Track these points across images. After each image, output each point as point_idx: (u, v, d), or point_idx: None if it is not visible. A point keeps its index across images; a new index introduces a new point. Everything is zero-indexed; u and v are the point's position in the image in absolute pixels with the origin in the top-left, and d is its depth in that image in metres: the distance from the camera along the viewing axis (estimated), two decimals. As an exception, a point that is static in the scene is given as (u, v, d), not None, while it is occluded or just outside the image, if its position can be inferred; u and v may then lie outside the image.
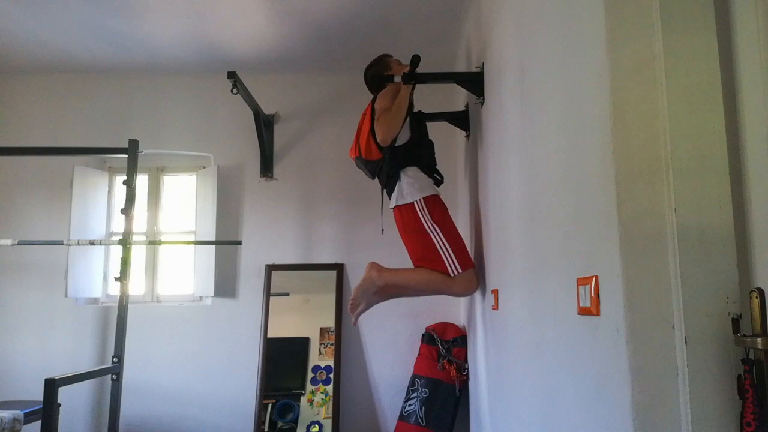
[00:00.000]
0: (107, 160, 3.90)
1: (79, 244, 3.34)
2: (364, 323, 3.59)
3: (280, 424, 3.36)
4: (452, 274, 2.33)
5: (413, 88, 2.48)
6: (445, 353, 3.21)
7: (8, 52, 3.53)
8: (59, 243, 3.30)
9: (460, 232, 2.48)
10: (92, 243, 3.32)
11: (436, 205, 2.41)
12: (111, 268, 3.79)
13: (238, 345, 3.56)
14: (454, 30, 3.26)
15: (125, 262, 3.18)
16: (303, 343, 3.53)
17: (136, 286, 3.69)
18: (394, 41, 3.37)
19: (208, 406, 3.51)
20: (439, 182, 2.52)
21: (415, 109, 2.61)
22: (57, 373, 2.70)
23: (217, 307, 3.64)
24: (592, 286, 1.09)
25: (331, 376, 3.45)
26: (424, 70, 2.53)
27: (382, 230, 2.67)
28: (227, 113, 3.78)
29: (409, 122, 2.48)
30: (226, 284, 3.65)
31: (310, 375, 3.46)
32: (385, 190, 2.58)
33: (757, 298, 0.87)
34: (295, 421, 3.35)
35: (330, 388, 3.42)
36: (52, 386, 2.56)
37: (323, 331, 3.56)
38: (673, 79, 0.97)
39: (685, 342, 0.90)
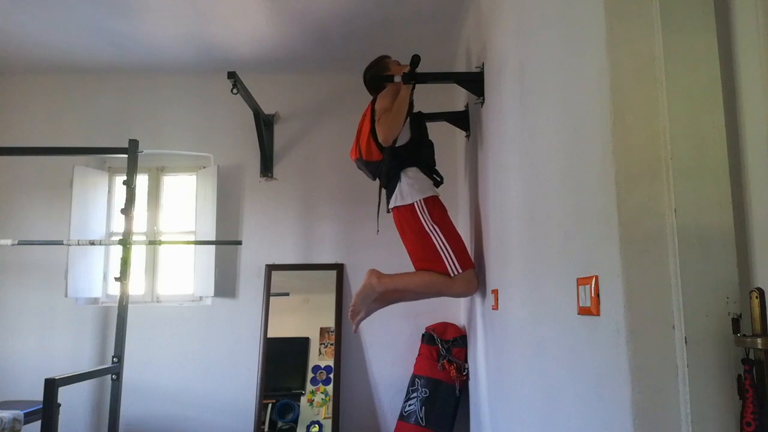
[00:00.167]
0: (107, 160, 3.90)
1: (79, 244, 3.34)
2: (364, 323, 3.57)
3: (280, 424, 3.36)
4: (452, 274, 2.33)
5: (413, 88, 2.48)
6: (445, 353, 3.21)
7: (8, 52, 3.53)
8: (59, 243, 3.30)
9: (460, 233, 2.48)
10: (92, 243, 3.32)
11: (435, 206, 2.41)
12: (111, 268, 3.79)
13: (238, 345, 3.56)
14: (454, 30, 3.26)
15: (125, 262, 3.18)
16: (303, 343, 3.53)
17: (136, 286, 3.69)
18: (394, 41, 3.37)
19: (208, 406, 3.51)
20: (438, 183, 2.52)
21: (415, 110, 2.60)
22: (57, 373, 2.70)
23: (217, 307, 3.64)
24: (592, 286, 1.09)
25: (331, 376, 3.45)
26: (424, 70, 2.53)
27: (378, 230, 2.67)
28: (227, 113, 3.78)
29: (409, 123, 2.48)
30: (226, 284, 3.65)
31: (310, 375, 3.46)
32: (384, 191, 2.57)
33: (757, 298, 0.87)
34: (295, 421, 3.35)
35: (330, 388, 3.42)
36: (52, 386, 2.56)
37: (323, 331, 3.56)
38: (673, 79, 0.97)
39: (685, 342, 0.90)
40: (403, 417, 3.22)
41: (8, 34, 3.30)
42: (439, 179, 2.53)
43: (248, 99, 3.32)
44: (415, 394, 3.22)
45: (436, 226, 2.36)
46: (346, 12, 3.06)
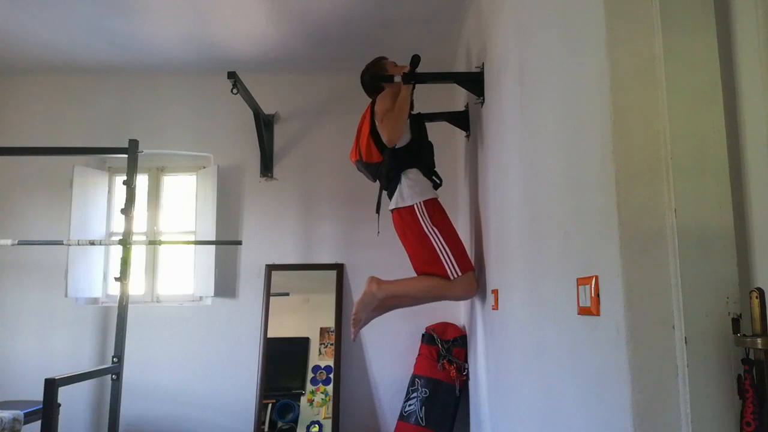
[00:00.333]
0: (107, 160, 3.90)
1: (79, 244, 3.34)
2: (364, 323, 3.59)
3: (280, 424, 3.36)
4: (452, 277, 2.33)
5: (413, 88, 2.48)
6: (445, 353, 3.21)
7: (8, 52, 3.53)
8: (59, 243, 3.30)
9: (460, 233, 2.48)
10: (92, 243, 3.32)
11: (435, 209, 2.41)
12: (111, 268, 3.79)
13: (238, 345, 3.56)
14: (454, 30, 3.26)
15: (125, 262, 3.18)
16: (303, 343, 3.53)
17: (136, 286, 3.69)
18: (394, 41, 3.37)
19: (208, 406, 3.51)
20: (437, 185, 2.52)
21: (416, 110, 2.61)
22: (57, 373, 2.70)
23: (217, 307, 3.64)
24: (592, 286, 1.09)
25: (331, 376, 3.45)
26: (424, 70, 2.53)
27: (378, 232, 2.67)
28: (227, 113, 3.78)
29: (409, 124, 2.48)
30: (226, 284, 3.65)
31: (310, 375, 3.46)
32: (385, 192, 2.57)
33: (757, 298, 0.86)
34: (295, 421, 3.35)
35: (330, 388, 3.42)
36: (52, 386, 2.56)
37: (323, 331, 3.56)
38: (673, 79, 0.97)
39: (685, 342, 0.90)
40: (403, 417, 3.22)
41: (8, 34, 3.30)
42: (438, 181, 2.53)
43: (248, 99, 3.32)
44: (415, 394, 3.22)
45: (435, 229, 2.36)
46: (346, 12, 3.06)
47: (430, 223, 2.37)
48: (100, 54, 3.55)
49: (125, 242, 3.19)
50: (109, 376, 3.10)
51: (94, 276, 3.69)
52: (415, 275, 2.48)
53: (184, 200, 3.90)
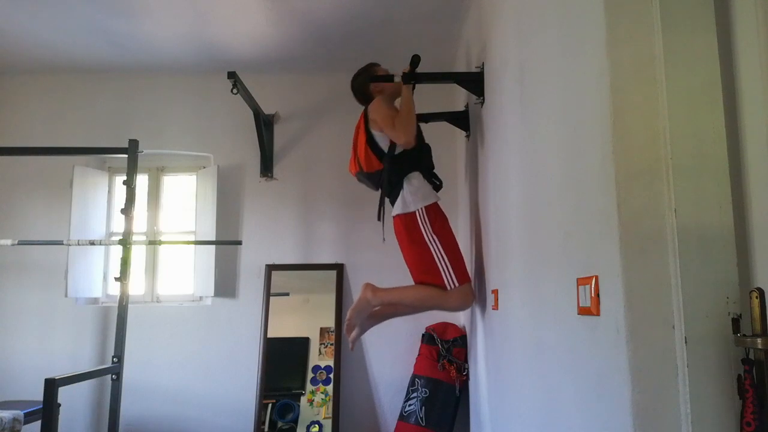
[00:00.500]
0: (107, 160, 3.90)
1: (79, 244, 3.34)
2: (364, 323, 3.59)
3: (280, 424, 3.36)
4: (449, 288, 2.31)
5: (413, 88, 2.48)
6: (445, 353, 3.21)
7: (8, 52, 3.53)
8: (59, 243, 3.30)
9: (460, 233, 2.48)
10: (92, 243, 3.32)
11: (437, 216, 2.40)
12: (111, 268, 3.79)
13: (238, 345, 3.56)
14: (454, 30, 3.26)
15: (125, 262, 3.18)
16: (303, 343, 3.53)
17: (136, 286, 3.69)
18: (394, 41, 3.37)
19: (208, 406, 3.51)
20: (438, 187, 2.51)
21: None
22: (57, 373, 2.70)
23: (217, 307, 3.64)
24: (592, 286, 1.09)
25: (331, 376, 3.45)
26: (424, 70, 2.53)
27: (384, 239, 2.61)
28: (227, 113, 3.78)
29: None
30: (226, 284, 3.65)
31: (310, 375, 3.46)
32: (387, 199, 2.54)
33: (757, 298, 0.86)
34: (295, 421, 3.35)
35: (330, 388, 3.42)
36: (52, 386, 2.56)
37: (323, 331, 3.56)
38: (673, 79, 0.97)
39: (685, 342, 0.90)
40: (403, 417, 3.22)
41: (8, 34, 3.30)
42: (438, 182, 2.52)
43: (248, 99, 3.32)
44: (415, 394, 3.22)
45: (435, 237, 2.34)
46: (346, 12, 3.06)
47: (431, 230, 2.35)
48: (100, 54, 3.55)
49: (125, 242, 3.19)
50: (109, 376, 3.10)
51: (94, 276, 3.69)
52: (412, 283, 2.45)
53: (184, 200, 3.90)
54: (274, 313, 3.59)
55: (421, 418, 3.12)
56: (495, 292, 2.20)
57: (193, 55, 3.56)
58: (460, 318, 3.47)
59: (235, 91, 3.08)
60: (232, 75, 3.02)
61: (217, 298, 3.64)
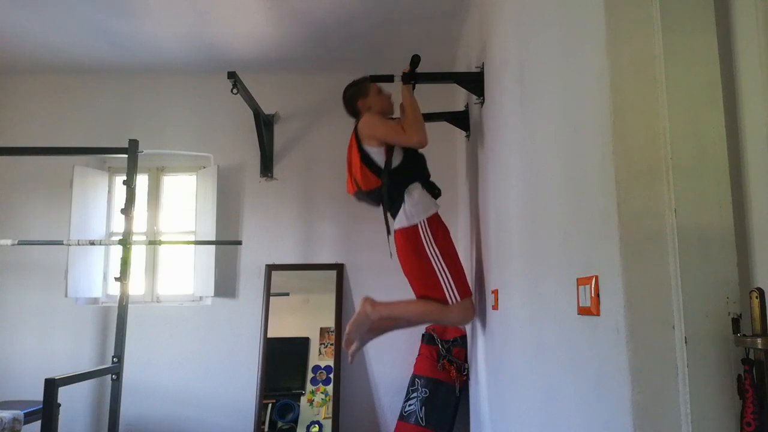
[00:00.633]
0: (107, 160, 3.90)
1: (79, 244, 3.34)
2: (364, 323, 3.58)
3: (280, 424, 3.36)
4: (451, 302, 2.29)
5: (413, 88, 2.48)
6: (445, 353, 3.21)
7: (8, 52, 3.53)
8: (59, 243, 3.30)
9: (460, 233, 2.48)
10: (92, 243, 3.32)
11: (439, 228, 2.38)
12: (111, 268, 3.79)
13: (238, 345, 3.56)
14: (454, 30, 3.26)
15: (125, 262, 3.18)
16: (303, 343, 3.53)
17: (136, 286, 3.69)
18: (394, 41, 3.37)
19: (208, 406, 3.51)
20: (437, 195, 2.48)
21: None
22: (57, 373, 2.70)
23: (217, 307, 3.64)
24: (592, 286, 1.09)
25: (331, 376, 3.45)
26: (424, 70, 2.53)
27: (391, 254, 2.53)
28: (227, 113, 3.78)
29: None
30: (226, 284, 3.65)
31: (310, 375, 3.46)
32: (389, 214, 2.49)
33: (757, 298, 0.86)
34: (295, 421, 3.35)
35: (330, 388, 3.42)
36: (52, 386, 2.56)
37: (323, 331, 3.56)
38: (673, 79, 0.97)
39: (685, 342, 0.90)
40: (403, 417, 3.22)
41: (8, 34, 3.30)
42: (437, 191, 2.48)
43: (248, 99, 3.32)
44: (415, 394, 3.22)
45: (437, 250, 2.32)
46: (346, 12, 3.06)
47: (433, 243, 2.33)
48: (100, 54, 3.55)
49: (125, 242, 3.19)
50: (109, 376, 3.10)
51: (94, 276, 3.69)
52: (413, 296, 2.43)
53: (184, 200, 3.90)
54: (274, 313, 3.59)
55: (421, 418, 3.12)
56: (495, 292, 2.20)
57: (193, 55, 3.56)
58: (460, 318, 3.46)
59: (235, 91, 3.08)
60: (232, 75, 3.02)
61: (217, 298, 3.64)
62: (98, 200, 3.78)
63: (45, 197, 3.73)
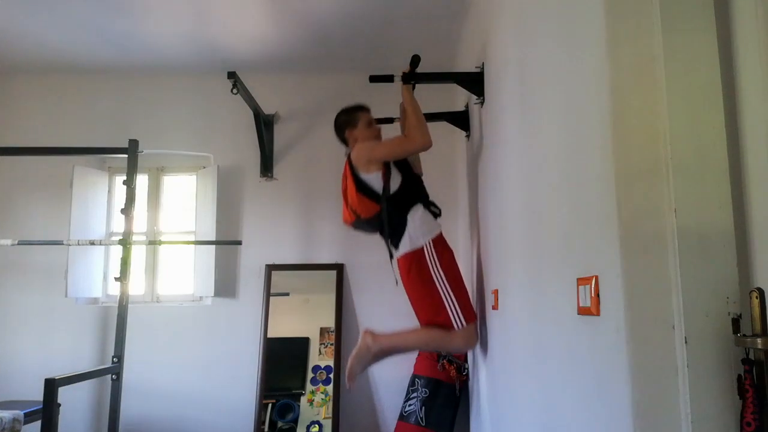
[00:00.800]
0: (107, 160, 3.90)
1: (79, 244, 3.34)
2: (363, 323, 3.59)
3: (280, 424, 3.36)
4: (456, 328, 2.26)
5: (413, 88, 2.47)
6: (445, 353, 3.21)
7: (8, 52, 3.53)
8: (59, 243, 3.30)
9: (460, 233, 2.48)
10: (92, 243, 3.32)
11: (444, 249, 2.35)
12: (111, 268, 3.79)
13: (238, 345, 3.56)
14: (454, 30, 3.26)
15: (125, 262, 3.18)
16: (303, 343, 3.53)
17: (136, 286, 3.68)
18: (394, 41, 3.37)
19: (208, 406, 3.51)
20: (437, 215, 2.45)
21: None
22: (57, 373, 2.70)
23: (217, 307, 3.64)
24: (592, 286, 1.09)
25: (331, 376, 3.45)
26: (424, 70, 2.53)
27: (396, 282, 2.48)
28: (227, 113, 3.78)
29: (394, 164, 2.39)
30: (226, 284, 3.65)
31: (310, 375, 3.46)
32: (390, 241, 2.43)
33: (757, 298, 0.86)
34: (295, 421, 3.35)
35: (330, 388, 3.42)
36: (52, 386, 2.56)
37: (323, 331, 3.56)
38: (673, 79, 0.97)
39: (685, 342, 0.90)
40: (403, 417, 3.22)
41: (8, 34, 3.30)
42: (437, 210, 2.46)
43: (248, 99, 3.32)
44: (415, 394, 3.22)
45: (442, 274, 2.29)
46: (346, 12, 3.06)
47: (438, 266, 2.29)
48: (100, 54, 3.55)
49: (125, 242, 3.19)
50: (109, 376, 3.10)
51: (94, 276, 3.69)
52: (414, 323, 2.40)
53: (184, 200, 3.90)
54: (274, 313, 3.59)
55: (421, 418, 3.12)
56: (495, 292, 2.20)
57: (193, 55, 3.56)
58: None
59: (235, 91, 3.08)
60: (232, 75, 3.02)
61: (217, 298, 3.64)
62: (98, 200, 3.78)
63: (45, 197, 3.73)
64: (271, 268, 3.66)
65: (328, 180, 3.73)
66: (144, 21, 3.14)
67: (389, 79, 2.54)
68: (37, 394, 2.68)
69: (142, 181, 3.82)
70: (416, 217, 2.34)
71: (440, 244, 2.35)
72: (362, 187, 2.38)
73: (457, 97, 3.51)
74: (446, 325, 2.28)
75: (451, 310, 2.27)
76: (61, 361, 3.53)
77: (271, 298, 3.61)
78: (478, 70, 2.55)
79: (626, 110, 0.99)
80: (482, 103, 2.50)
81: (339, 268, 3.66)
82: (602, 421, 1.06)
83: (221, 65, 3.60)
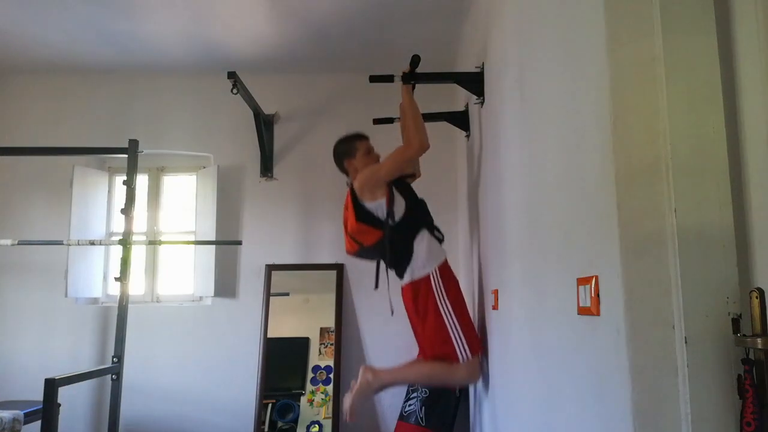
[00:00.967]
0: (107, 160, 3.90)
1: (79, 244, 3.34)
2: (363, 323, 3.59)
3: (280, 424, 3.36)
4: (462, 360, 2.23)
5: (413, 88, 2.48)
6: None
7: (8, 52, 3.53)
8: (59, 243, 3.29)
9: (460, 234, 2.48)
10: (92, 243, 3.32)
11: (450, 278, 2.33)
12: (111, 268, 3.79)
13: (238, 345, 3.56)
14: (454, 30, 3.26)
15: (125, 262, 3.18)
16: (303, 343, 3.53)
17: (136, 286, 3.68)
18: (394, 41, 3.37)
19: (208, 406, 3.51)
20: (441, 240, 2.42)
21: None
22: (57, 373, 2.70)
23: (217, 307, 3.64)
24: (592, 286, 1.09)
25: (331, 376, 3.45)
26: (424, 70, 2.53)
27: (392, 312, 2.46)
28: (227, 113, 3.78)
29: (397, 190, 2.37)
30: (226, 284, 3.65)
31: (310, 375, 3.46)
32: (394, 271, 2.41)
33: (757, 298, 0.86)
34: (295, 421, 3.35)
35: (330, 388, 3.42)
36: (52, 386, 2.56)
37: (323, 331, 3.56)
38: (673, 79, 0.97)
39: (685, 342, 0.90)
40: (403, 417, 3.22)
41: (8, 34, 3.30)
42: (441, 236, 2.43)
43: (248, 99, 3.32)
44: (415, 394, 3.22)
45: (449, 305, 2.26)
46: (346, 12, 3.06)
47: (445, 295, 2.27)
48: (101, 54, 3.55)
49: (125, 242, 3.19)
50: (109, 376, 3.10)
51: (94, 276, 3.69)
52: (414, 357, 2.37)
53: (184, 200, 3.90)
54: (274, 313, 3.59)
55: (421, 418, 3.11)
56: (495, 292, 2.20)
57: (193, 55, 3.56)
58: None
59: (235, 91, 3.08)
60: (232, 75, 3.02)
61: (217, 298, 3.64)
62: (98, 200, 3.78)
63: (45, 197, 3.73)
64: (271, 268, 3.66)
65: (328, 180, 3.73)
66: (144, 21, 3.14)
67: (389, 79, 2.54)
68: (37, 394, 2.68)
69: (142, 181, 3.82)
70: (423, 244, 2.31)
71: (446, 272, 2.33)
72: (363, 216, 2.34)
73: (457, 97, 3.51)
74: (450, 357, 2.25)
75: (456, 342, 2.24)
76: (61, 361, 3.53)
77: (271, 298, 3.61)
78: (478, 70, 2.55)
79: (626, 110, 0.99)
80: (482, 103, 2.50)
81: (339, 268, 3.66)
82: (602, 421, 1.06)
83: (221, 65, 3.60)
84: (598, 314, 1.07)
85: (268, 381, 3.46)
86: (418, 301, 2.31)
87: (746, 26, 0.95)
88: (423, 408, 3.14)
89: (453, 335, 2.25)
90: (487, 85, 2.43)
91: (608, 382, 1.02)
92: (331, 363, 3.48)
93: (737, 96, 0.97)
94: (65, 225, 3.58)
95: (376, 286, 2.45)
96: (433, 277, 2.29)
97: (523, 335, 1.72)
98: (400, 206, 2.35)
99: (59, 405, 2.67)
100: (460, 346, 2.24)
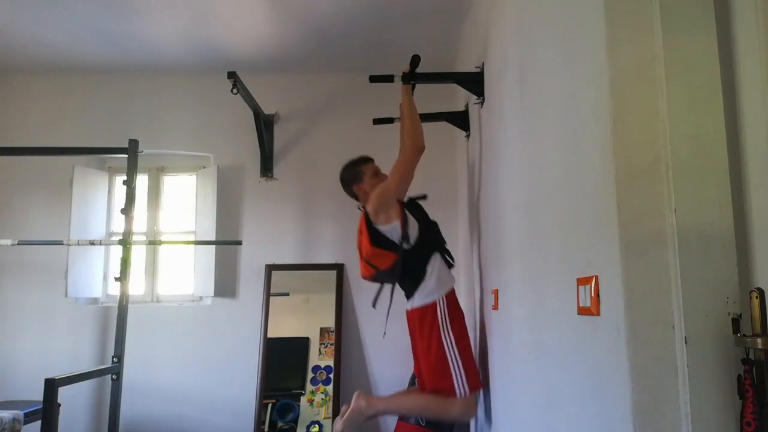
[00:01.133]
0: (107, 160, 3.90)
1: (79, 244, 3.34)
2: (363, 323, 3.59)
3: (280, 424, 3.36)
4: (460, 395, 2.21)
5: (413, 88, 2.47)
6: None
7: (9, 52, 3.53)
8: (59, 243, 3.29)
9: (460, 234, 2.47)
10: (92, 243, 3.32)
11: (456, 310, 2.32)
12: (111, 268, 3.79)
13: (238, 345, 3.56)
14: (454, 30, 3.26)
15: (125, 262, 3.18)
16: (303, 343, 3.53)
17: (136, 286, 3.68)
18: (394, 41, 3.37)
19: (208, 406, 3.51)
20: (451, 265, 2.42)
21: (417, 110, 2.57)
22: (57, 373, 2.70)
23: (217, 307, 3.64)
24: (592, 286, 1.09)
25: (331, 376, 3.45)
26: (424, 70, 2.53)
27: (384, 333, 2.46)
28: (227, 113, 3.78)
29: (408, 210, 2.37)
30: (226, 284, 3.65)
31: (310, 375, 3.46)
32: (403, 292, 2.41)
33: (757, 298, 0.86)
34: (295, 421, 3.35)
35: (330, 388, 3.42)
36: (52, 386, 2.56)
37: (323, 331, 3.56)
38: (673, 79, 0.97)
39: (685, 342, 0.90)
40: (403, 417, 3.21)
41: (8, 34, 3.30)
42: (452, 261, 2.42)
43: (248, 99, 3.32)
44: (415, 394, 3.22)
45: (452, 338, 2.24)
46: (346, 12, 3.06)
47: (449, 328, 2.25)
48: (100, 54, 3.55)
49: (125, 242, 3.19)
50: (109, 376, 3.10)
51: (94, 276, 3.69)
52: (408, 387, 2.36)
53: (184, 200, 3.90)
54: (274, 313, 3.59)
55: (422, 418, 3.11)
56: (495, 292, 2.20)
57: (193, 55, 3.56)
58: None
59: (235, 91, 3.08)
60: (232, 75, 3.01)
61: (217, 298, 3.64)
62: (98, 200, 3.78)
63: (45, 197, 3.73)
64: (271, 268, 3.66)
65: (328, 180, 3.73)
66: (144, 21, 3.14)
67: (389, 79, 2.54)
68: (37, 394, 2.68)
69: (142, 181, 3.82)
70: (435, 268, 2.31)
71: (452, 301, 2.32)
72: (378, 240, 2.32)
73: (457, 97, 3.51)
74: (448, 392, 2.23)
75: (456, 377, 2.22)
76: (61, 361, 3.53)
77: (271, 298, 3.61)
78: (478, 70, 2.55)
79: (626, 110, 0.99)
80: (482, 103, 2.50)
81: (339, 268, 3.66)
82: (602, 421, 1.06)
83: (221, 65, 3.60)
84: (598, 314, 1.07)
85: (268, 381, 3.46)
86: (423, 329, 2.30)
87: (746, 26, 0.95)
88: (423, 408, 3.14)
89: (453, 369, 2.23)
90: (487, 85, 2.43)
91: (608, 382, 1.02)
92: (331, 363, 3.48)
93: (737, 96, 0.97)
94: (65, 225, 3.58)
95: (374, 305, 2.45)
96: (440, 305, 2.28)
97: (523, 335, 1.72)
98: (413, 229, 2.33)
99: (59, 405, 2.67)
100: (460, 382, 2.22)
